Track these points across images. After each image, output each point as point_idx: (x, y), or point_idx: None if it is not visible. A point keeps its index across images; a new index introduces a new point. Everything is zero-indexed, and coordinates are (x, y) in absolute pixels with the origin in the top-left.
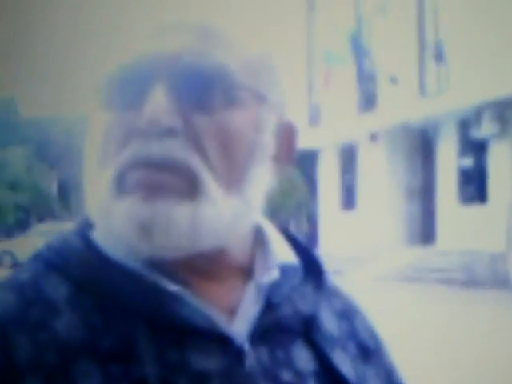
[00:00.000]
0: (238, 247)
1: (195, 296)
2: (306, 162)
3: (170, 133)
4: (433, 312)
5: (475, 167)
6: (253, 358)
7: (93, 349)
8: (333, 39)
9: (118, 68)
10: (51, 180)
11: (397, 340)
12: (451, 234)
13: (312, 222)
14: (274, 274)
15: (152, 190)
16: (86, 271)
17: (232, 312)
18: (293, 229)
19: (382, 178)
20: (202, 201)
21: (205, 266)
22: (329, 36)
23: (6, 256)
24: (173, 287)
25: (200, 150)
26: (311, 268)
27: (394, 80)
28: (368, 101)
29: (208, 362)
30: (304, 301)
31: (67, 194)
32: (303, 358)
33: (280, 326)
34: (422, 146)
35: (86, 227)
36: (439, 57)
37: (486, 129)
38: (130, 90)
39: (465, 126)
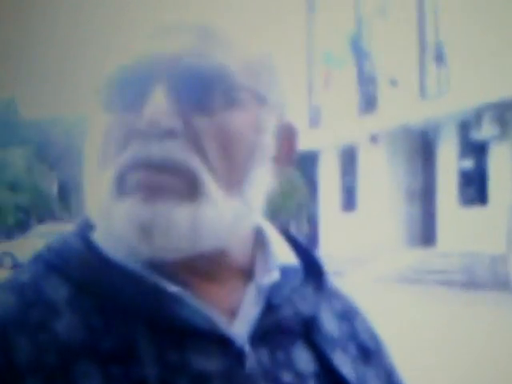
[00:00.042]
0: (239, 248)
1: (195, 297)
2: (307, 164)
3: (170, 134)
4: (433, 313)
5: (475, 169)
6: (253, 359)
7: (93, 350)
8: (333, 41)
9: (118, 69)
10: (51, 181)
11: (397, 341)
12: (451, 236)
13: (312, 223)
14: (275, 276)
15: (152, 192)
16: (86, 272)
17: (232, 313)
18: (293, 230)
19: (383, 180)
20: (203, 202)
21: (205, 267)
22: (329, 37)
23: (6, 257)
24: (173, 288)
25: (200, 151)
26: (311, 269)
27: (394, 82)
28: (368, 103)
29: (208, 363)
30: (304, 302)
31: (67, 194)
32: (304, 359)
33: (280, 328)
34: (423, 147)
35: (86, 228)
36: (439, 58)
37: (486, 131)
38: (130, 91)
39: (465, 127)
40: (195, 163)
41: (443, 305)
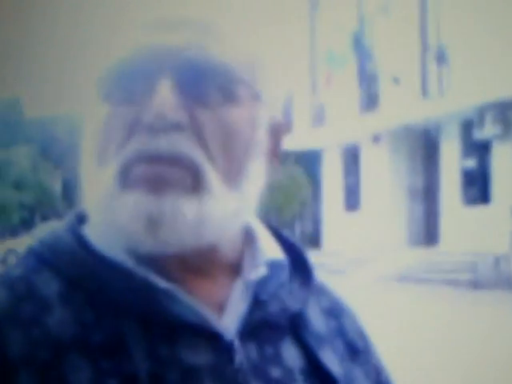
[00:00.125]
0: (229, 244)
1: (185, 292)
2: (310, 162)
3: (176, 127)
4: (436, 313)
5: (478, 168)
6: (242, 354)
7: (84, 344)
8: (335, 39)
9: (118, 62)
10: (55, 179)
11: (400, 340)
12: (454, 235)
13: (315, 221)
14: (262, 271)
15: (159, 184)
16: (78, 267)
17: (221, 308)
18: (297, 229)
19: (385, 179)
20: (207, 195)
21: (197, 262)
22: (331, 36)
23: (10, 255)
24: (164, 284)
25: (203, 144)
26: (299, 265)
27: (396, 80)
28: (370, 101)
29: (198, 357)
30: (291, 298)
31: (71, 192)
32: (291, 354)
33: (268, 323)
34: (425, 147)
35: (77, 223)
36: (441, 57)
37: (488, 130)
38: (131, 83)
39: (467, 127)
40: (199, 156)
41: (446, 304)
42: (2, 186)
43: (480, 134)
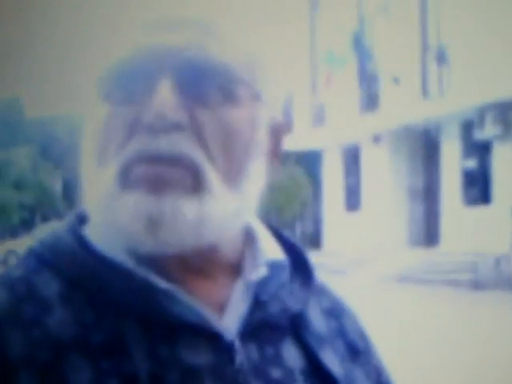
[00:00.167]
0: (229, 244)
1: (186, 293)
2: (311, 163)
3: (176, 127)
4: (437, 313)
5: (479, 169)
6: (242, 354)
7: (84, 344)
8: (335, 39)
9: (118, 62)
10: (56, 179)
11: (400, 341)
12: (455, 236)
13: (316, 222)
14: (262, 272)
15: (159, 184)
16: (78, 268)
17: (221, 309)
18: (297, 229)
19: (386, 179)
20: (207, 196)
21: (197, 262)
22: (332, 36)
23: (10, 256)
24: (164, 284)
25: (203, 144)
26: (299, 265)
27: (396, 81)
28: (370, 101)
29: (198, 357)
30: (292, 298)
31: (72, 193)
32: (292, 355)
33: (269, 324)
34: (425, 147)
35: (78, 223)
36: (442, 58)
37: (489, 130)
38: (132, 84)
39: (468, 127)
40: (199, 156)
41: (447, 304)
42: (2, 187)
43: (480, 135)
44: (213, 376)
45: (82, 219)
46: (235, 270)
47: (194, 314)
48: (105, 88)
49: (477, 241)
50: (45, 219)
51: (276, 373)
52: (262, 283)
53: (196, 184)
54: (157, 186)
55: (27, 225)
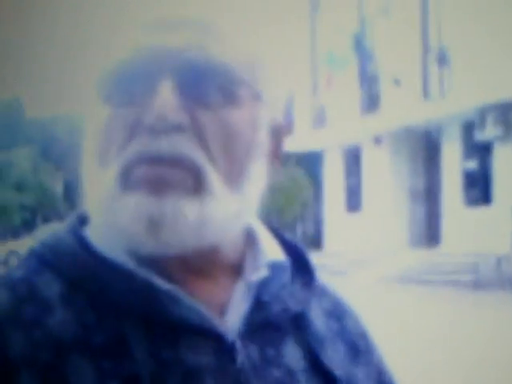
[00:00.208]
0: (231, 245)
1: (187, 294)
2: (311, 164)
3: (177, 129)
4: (438, 314)
5: (480, 169)
6: (244, 354)
7: (85, 345)
8: (336, 41)
9: (118, 63)
10: (57, 180)
11: (402, 342)
12: (456, 236)
13: (317, 223)
14: (263, 272)
15: (160, 186)
16: (79, 269)
17: (222, 310)
18: (298, 230)
19: (387, 180)
20: (208, 197)
21: (198, 264)
22: (332, 37)
23: (12, 256)
24: (165, 285)
25: (204, 146)
26: (300, 266)
27: (397, 82)
28: (371, 103)
29: (200, 358)
30: (293, 299)
31: (73, 194)
32: (293, 355)
33: (270, 324)
34: (426, 148)
35: (78, 224)
36: (442, 59)
37: (490, 131)
38: (132, 84)
39: (469, 128)
40: (200, 158)
41: (448, 305)
42: (3, 188)
43: (481, 136)
44: (214, 376)
45: (82, 220)
46: (236, 270)
47: (196, 314)
48: (105, 89)
49: (478, 241)
50: (46, 220)
51: (277, 373)
52: (263, 284)
53: (197, 185)
54: (158, 187)
55: (28, 226)
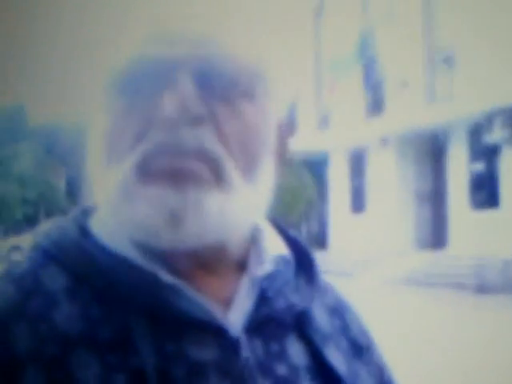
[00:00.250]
0: (238, 240)
1: (192, 288)
2: (317, 165)
3: (198, 121)
4: (443, 317)
5: (487, 172)
6: (248, 349)
7: (91, 339)
8: (341, 44)
9: (131, 57)
10: (60, 175)
11: (406, 343)
12: (462, 239)
13: (322, 224)
14: (268, 268)
15: (181, 178)
16: (84, 262)
17: (227, 304)
18: (303, 231)
19: (392, 182)
20: (228, 189)
21: (206, 258)
22: (337, 40)
23: (14, 252)
24: (171, 280)
25: (222, 138)
26: (304, 262)
27: (403, 85)
28: (377, 105)
29: (204, 352)
30: (297, 294)
31: (76, 189)
32: (296, 351)
33: (274, 320)
34: (433, 150)
35: (83, 216)
36: (448, 62)
37: (497, 134)
38: (148, 78)
39: (476, 131)
40: (220, 151)
41: (453, 308)
42: (5, 182)
43: (488, 138)
44: (218, 371)
45: (86, 214)
46: (241, 266)
47: (200, 309)
48: (118, 81)
49: (484, 244)
50: (48, 215)
51: (281, 369)
52: (268, 279)
53: (217, 178)
54: (179, 179)
55: (31, 221)
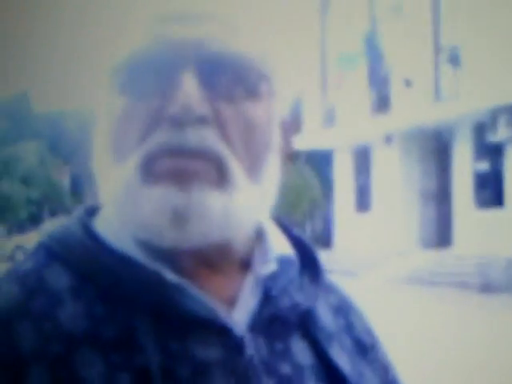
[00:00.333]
0: (243, 239)
1: (196, 287)
2: (321, 163)
3: (202, 121)
4: (447, 316)
5: (491, 171)
6: (252, 348)
7: (95, 338)
8: (347, 41)
9: (134, 54)
10: (64, 174)
11: (411, 343)
12: (467, 238)
13: (327, 222)
14: (272, 267)
15: (185, 178)
16: (88, 261)
17: (231, 303)
18: (308, 229)
19: (397, 181)
20: (232, 189)
21: (210, 257)
22: (343, 37)
23: (18, 251)
24: (175, 279)
25: (226, 137)
26: (307, 261)
27: (408, 83)
28: (382, 103)
29: (209, 351)
30: (301, 293)
31: (80, 188)
32: (301, 350)
33: (278, 318)
34: (437, 149)
35: (87, 216)
36: (454, 60)
37: (501, 133)
38: (150, 76)
39: (480, 129)
40: (224, 150)
41: (458, 307)
42: (9, 182)
43: (493, 137)
44: (223, 370)
45: (90, 213)
46: (245, 264)
47: (205, 308)
48: (120, 80)
49: (489, 243)
50: (52, 214)
51: (285, 368)
52: (272, 278)
53: (221, 177)
54: (183, 179)
55: (35, 220)
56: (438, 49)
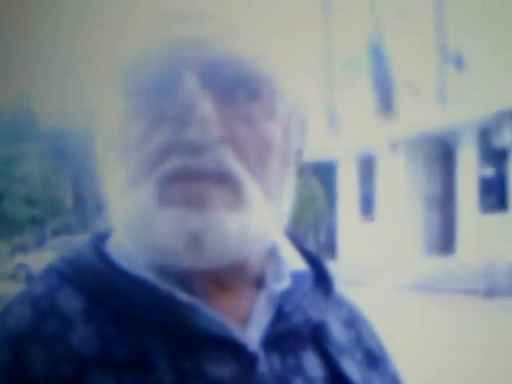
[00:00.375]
0: (258, 257)
1: (209, 305)
2: (325, 172)
3: (218, 143)
4: (452, 322)
5: (496, 176)
6: (265, 365)
7: (108, 360)
8: (350, 46)
9: (134, 60)
10: (67, 193)
11: (416, 350)
12: (472, 244)
13: (331, 231)
14: (286, 283)
15: (200, 200)
16: (100, 283)
17: (244, 321)
18: (312, 239)
19: (402, 187)
20: (248, 209)
21: (223, 276)
22: (346, 43)
23: (20, 269)
24: (187, 298)
25: (243, 157)
26: (319, 276)
27: (413, 87)
28: (387, 109)
29: (222, 369)
30: (314, 308)
31: (83, 207)
32: (313, 365)
33: (291, 333)
34: (442, 154)
35: (99, 239)
36: (459, 64)
37: (506, 137)
38: (151, 77)
39: (485, 134)
40: (241, 171)
41: (463, 313)
42: (12, 201)
43: (498, 142)
44: None
45: (102, 238)
46: (258, 281)
47: (217, 326)
48: (121, 80)
49: (494, 248)
50: (55, 233)
51: (297, 382)
52: (285, 294)
53: (237, 198)
54: (198, 201)
55: (38, 239)
56: (442, 54)
